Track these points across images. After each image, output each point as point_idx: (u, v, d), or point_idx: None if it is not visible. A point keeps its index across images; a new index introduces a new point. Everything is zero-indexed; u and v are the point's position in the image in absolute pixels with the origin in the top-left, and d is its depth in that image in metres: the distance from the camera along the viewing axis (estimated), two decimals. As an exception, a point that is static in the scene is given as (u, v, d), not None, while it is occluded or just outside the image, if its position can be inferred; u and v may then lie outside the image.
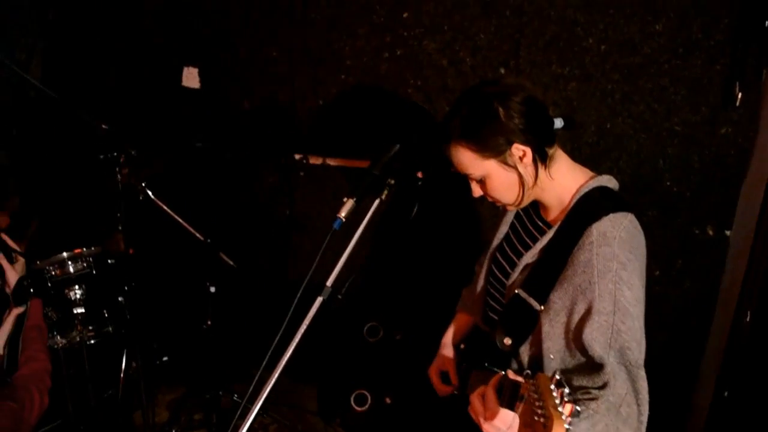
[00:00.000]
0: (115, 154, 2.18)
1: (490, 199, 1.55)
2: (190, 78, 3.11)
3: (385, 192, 1.52)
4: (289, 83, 2.96)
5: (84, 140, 2.86)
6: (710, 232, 2.70)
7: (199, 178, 3.09)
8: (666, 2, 2.51)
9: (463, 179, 1.52)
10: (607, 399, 1.27)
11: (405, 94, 2.84)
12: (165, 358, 3.07)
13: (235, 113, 3.07)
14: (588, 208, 1.43)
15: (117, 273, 2.50)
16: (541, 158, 1.44)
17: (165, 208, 2.56)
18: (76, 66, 3.23)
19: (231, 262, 2.65)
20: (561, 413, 0.95)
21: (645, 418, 1.32)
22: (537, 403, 1.01)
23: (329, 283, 1.51)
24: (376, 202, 1.50)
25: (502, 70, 2.79)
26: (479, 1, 2.70)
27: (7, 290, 2.00)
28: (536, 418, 0.98)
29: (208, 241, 2.60)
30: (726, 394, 2.46)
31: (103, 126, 2.13)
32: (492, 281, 1.69)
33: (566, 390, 0.98)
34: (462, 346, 1.88)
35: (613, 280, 1.33)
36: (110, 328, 2.42)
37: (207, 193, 3.07)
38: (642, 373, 1.33)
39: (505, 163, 1.44)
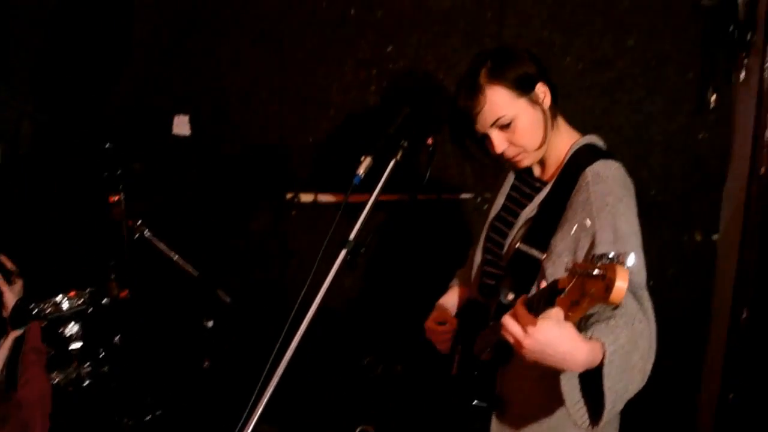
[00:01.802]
0: (120, 171, 2.20)
1: (511, 152, 1.58)
2: (181, 125, 3.16)
3: (400, 153, 1.57)
4: (279, 123, 3.03)
5: (82, 166, 2.91)
6: (698, 238, 2.76)
7: (192, 220, 3.10)
8: (635, 17, 2.66)
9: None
10: (622, 316, 1.32)
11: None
12: (158, 412, 2.99)
13: (226, 156, 3.11)
14: (581, 160, 1.53)
15: (111, 314, 2.48)
16: (555, 102, 1.58)
17: (161, 245, 2.57)
18: (65, 109, 3.26)
19: (227, 299, 2.65)
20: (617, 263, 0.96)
21: (654, 332, 1.38)
22: (585, 273, 1.02)
23: (352, 237, 1.54)
24: (392, 162, 1.55)
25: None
26: (459, 31, 2.84)
27: (5, 313, 1.97)
28: (592, 279, 0.99)
29: (204, 277, 2.60)
30: (731, 396, 2.47)
31: (107, 144, 2.17)
32: (489, 247, 1.74)
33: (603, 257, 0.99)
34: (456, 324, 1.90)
35: (611, 212, 1.42)
36: (106, 368, 2.38)
37: (200, 233, 3.08)
38: (646, 294, 1.41)
39: (534, 101, 1.54)
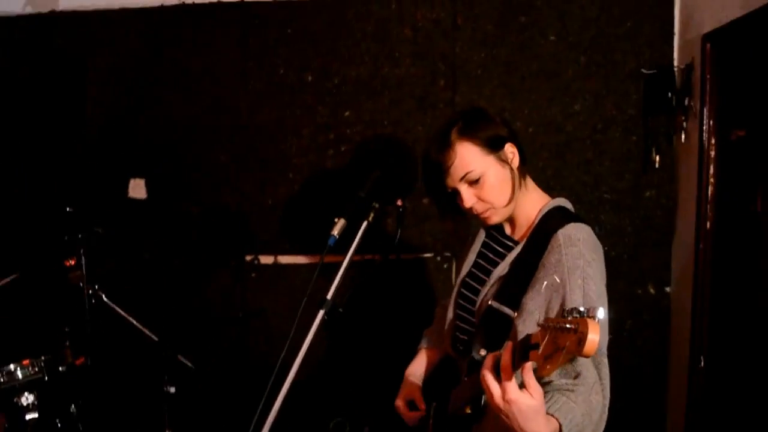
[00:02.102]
0: (80, 235, 2.16)
1: (480, 207, 1.63)
2: (137, 189, 3.14)
3: (372, 214, 1.59)
4: (237, 186, 3.04)
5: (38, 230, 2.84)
6: (652, 291, 2.86)
7: (150, 284, 3.04)
8: (580, 84, 2.81)
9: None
10: (581, 389, 1.43)
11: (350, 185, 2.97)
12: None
13: (184, 219, 3.09)
14: (552, 221, 1.59)
15: (68, 382, 2.39)
16: (523, 163, 1.64)
17: (118, 310, 2.51)
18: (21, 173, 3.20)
19: (189, 364, 2.58)
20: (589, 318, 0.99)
21: (608, 402, 1.47)
22: (557, 328, 1.04)
23: (329, 296, 1.53)
24: (364, 224, 1.57)
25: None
26: (414, 96, 2.94)
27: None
28: (564, 333, 1.02)
29: (163, 342, 2.54)
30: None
31: (68, 208, 2.13)
32: (462, 304, 1.76)
33: (573, 311, 1.03)
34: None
35: (581, 275, 1.47)
36: (63, 440, 2.28)
37: (159, 298, 3.01)
38: (605, 361, 1.49)
39: (502, 160, 1.60)
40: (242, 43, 3.04)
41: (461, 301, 1.76)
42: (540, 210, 1.63)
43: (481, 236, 1.80)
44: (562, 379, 1.45)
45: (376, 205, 1.61)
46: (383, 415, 3.09)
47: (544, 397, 1.30)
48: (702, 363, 2.50)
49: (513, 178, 1.61)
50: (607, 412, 1.47)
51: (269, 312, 3.04)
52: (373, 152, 2.96)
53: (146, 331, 2.55)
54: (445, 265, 2.99)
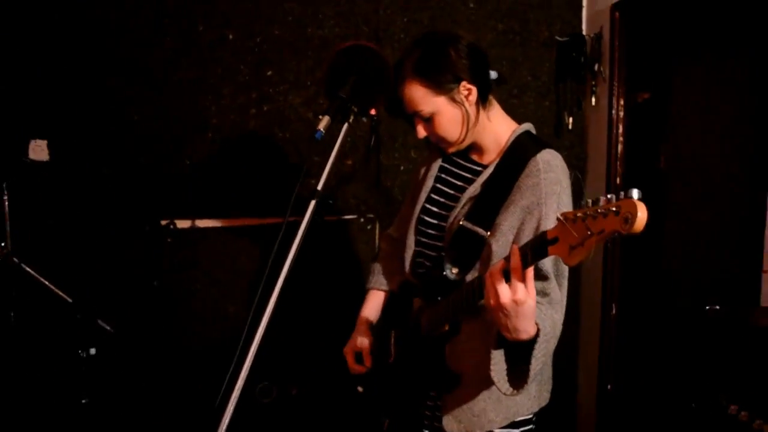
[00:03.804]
0: None
1: (433, 140, 1.68)
2: (38, 151, 2.92)
3: (351, 117, 1.58)
4: (151, 147, 2.90)
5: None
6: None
7: (60, 249, 2.83)
8: (498, 52, 2.92)
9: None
10: (548, 307, 1.52)
11: (273, 146, 2.93)
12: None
13: (92, 183, 2.91)
14: (525, 145, 1.62)
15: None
16: (483, 99, 1.63)
17: (29, 270, 2.33)
18: None
19: (108, 327, 2.44)
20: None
21: (561, 322, 1.55)
22: (590, 215, 1.08)
23: (320, 187, 1.51)
24: (345, 126, 1.55)
25: (364, 119, 3.00)
26: (337, 58, 2.93)
27: None
28: (601, 218, 1.06)
29: (78, 305, 2.39)
30: (609, 387, 2.69)
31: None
32: (422, 229, 1.78)
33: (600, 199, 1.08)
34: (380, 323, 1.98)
35: (556, 201, 1.53)
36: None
37: (72, 263, 2.81)
38: (565, 283, 1.58)
39: (453, 100, 1.59)
40: (157, -2, 2.92)
41: (421, 227, 1.78)
42: (512, 133, 1.66)
43: (437, 162, 1.81)
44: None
45: (355, 109, 1.60)
46: (310, 377, 3.08)
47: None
48: (614, 310, 2.68)
49: (466, 117, 1.62)
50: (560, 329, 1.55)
51: (187, 279, 2.94)
52: (290, 119, 2.95)
53: (60, 293, 2.38)
54: (369, 227, 3.01)
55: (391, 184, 3.02)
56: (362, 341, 1.94)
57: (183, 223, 2.96)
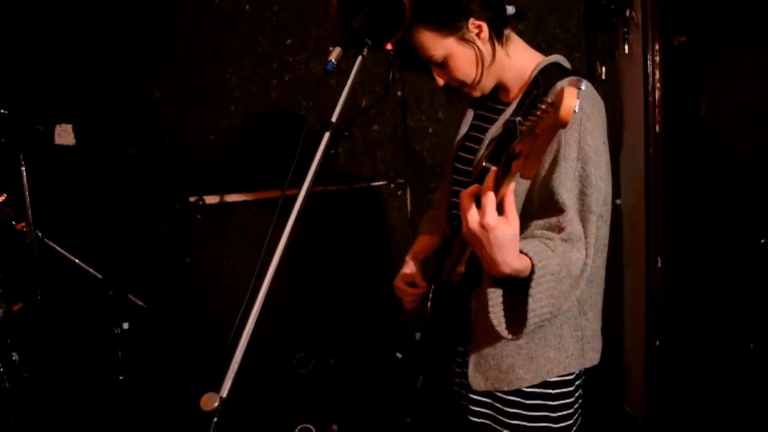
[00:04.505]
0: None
1: (454, 85, 1.59)
2: (64, 135, 2.90)
3: (365, 49, 1.51)
4: (175, 123, 2.87)
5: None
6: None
7: (91, 229, 2.83)
8: (524, 4, 2.81)
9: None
10: (561, 241, 1.35)
11: (297, 115, 2.87)
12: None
13: (119, 163, 2.89)
14: (548, 77, 1.51)
15: (5, 329, 2.19)
16: (497, 35, 1.53)
17: (58, 248, 2.33)
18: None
19: (140, 303, 2.44)
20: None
21: (590, 261, 1.38)
22: (536, 117, 0.97)
23: (334, 118, 1.44)
24: (359, 58, 1.49)
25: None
26: (358, 21, 2.86)
27: None
28: (543, 117, 0.95)
29: (110, 281, 2.39)
30: (658, 343, 2.60)
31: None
32: (455, 178, 1.71)
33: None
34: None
35: (578, 129, 1.39)
36: (7, 385, 2.08)
37: (102, 243, 2.82)
38: (593, 219, 1.39)
39: (464, 39, 1.51)
40: (172, -27, 2.87)
41: (455, 176, 1.71)
42: (536, 67, 1.55)
43: (470, 111, 1.74)
44: (546, 231, 1.40)
45: (369, 42, 1.53)
46: (348, 346, 3.05)
47: (521, 240, 1.24)
48: (659, 263, 2.57)
49: (480, 56, 1.52)
50: (589, 272, 1.39)
51: (219, 255, 2.92)
52: (313, 87, 2.89)
53: (91, 270, 2.38)
54: (399, 192, 2.95)
55: (419, 148, 2.95)
56: (411, 268, 1.86)
57: (211, 199, 2.94)
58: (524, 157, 1.03)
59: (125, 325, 2.29)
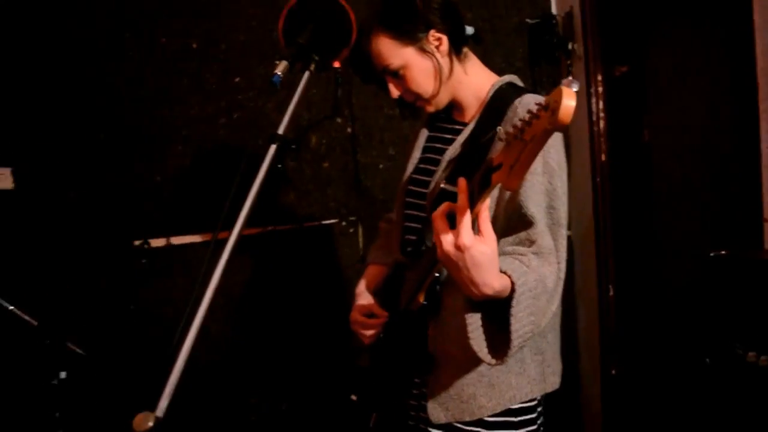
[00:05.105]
0: None
1: (408, 97, 1.57)
2: (2, 179, 2.79)
3: (312, 65, 1.48)
4: (120, 164, 2.79)
5: None
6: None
7: (29, 278, 2.69)
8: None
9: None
10: (534, 256, 1.34)
11: (247, 154, 2.82)
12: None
13: (60, 207, 2.79)
14: (506, 95, 1.50)
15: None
16: (456, 50, 1.53)
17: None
18: None
19: (79, 351, 2.30)
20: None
21: (563, 275, 1.39)
22: (525, 122, 0.95)
23: (281, 131, 1.39)
24: (306, 74, 1.46)
25: (339, 120, 2.93)
26: (306, 59, 2.86)
27: None
28: (533, 123, 0.92)
29: (45, 327, 2.25)
30: (613, 371, 2.57)
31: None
32: (409, 201, 1.67)
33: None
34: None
35: None
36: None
37: (40, 292, 2.67)
38: (563, 232, 1.41)
39: (423, 50, 1.50)
40: (116, 14, 2.84)
41: (409, 199, 1.67)
42: (492, 86, 1.55)
43: (424, 133, 1.72)
44: (517, 246, 1.38)
45: (316, 58, 1.51)
46: (300, 390, 2.93)
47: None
48: (611, 291, 2.57)
49: (438, 68, 1.52)
50: (562, 286, 1.39)
51: (165, 300, 2.80)
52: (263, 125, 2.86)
53: (26, 317, 2.24)
54: (351, 230, 2.90)
55: (371, 184, 2.92)
56: (366, 300, 1.78)
57: (157, 242, 2.84)
58: (508, 167, 1.00)
59: (62, 375, 2.15)
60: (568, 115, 0.86)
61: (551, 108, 0.88)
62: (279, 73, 1.45)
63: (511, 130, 0.99)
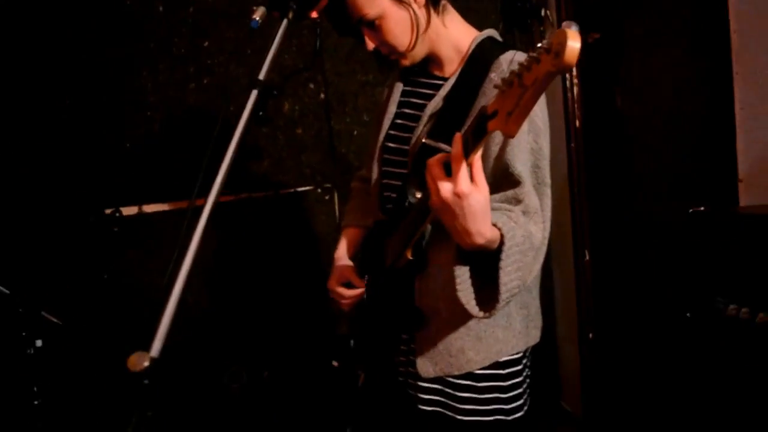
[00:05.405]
0: None
1: (384, 51, 1.55)
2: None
3: (291, 13, 1.45)
4: (88, 131, 2.71)
5: None
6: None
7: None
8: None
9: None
10: (520, 214, 1.35)
11: (218, 120, 2.77)
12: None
13: (29, 175, 2.70)
14: (489, 50, 1.50)
15: None
16: (433, 2, 1.51)
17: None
18: None
19: (55, 320, 2.26)
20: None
21: (548, 234, 1.41)
22: (523, 66, 0.93)
23: (261, 76, 1.37)
24: (284, 21, 1.43)
25: (311, 86, 2.89)
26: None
27: None
28: (532, 67, 0.91)
29: (18, 297, 2.20)
30: (591, 335, 2.64)
31: None
32: (388, 158, 1.66)
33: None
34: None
35: None
36: None
37: (12, 262, 2.61)
38: (548, 192, 1.43)
39: (399, 0, 1.48)
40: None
41: (387, 156, 1.66)
42: (473, 41, 1.53)
43: (399, 87, 1.69)
44: (503, 204, 1.38)
45: (294, 5, 1.47)
46: (282, 358, 2.94)
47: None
48: (587, 256, 2.63)
49: (415, 20, 1.49)
50: (546, 246, 1.40)
51: (139, 268, 2.76)
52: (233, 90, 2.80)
53: (-3, 286, 2.19)
54: (327, 197, 2.90)
55: (345, 150, 2.91)
56: (344, 268, 1.78)
57: (129, 210, 2.78)
58: (505, 114, 1.00)
59: (38, 343, 2.11)
60: (574, 57, 0.85)
61: (554, 50, 0.87)
62: (257, 18, 1.42)
63: (506, 76, 1.00)
